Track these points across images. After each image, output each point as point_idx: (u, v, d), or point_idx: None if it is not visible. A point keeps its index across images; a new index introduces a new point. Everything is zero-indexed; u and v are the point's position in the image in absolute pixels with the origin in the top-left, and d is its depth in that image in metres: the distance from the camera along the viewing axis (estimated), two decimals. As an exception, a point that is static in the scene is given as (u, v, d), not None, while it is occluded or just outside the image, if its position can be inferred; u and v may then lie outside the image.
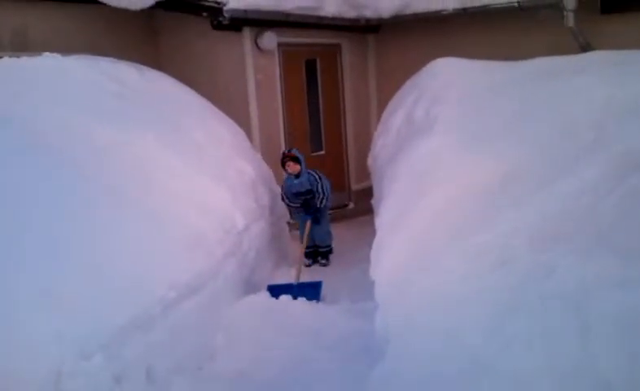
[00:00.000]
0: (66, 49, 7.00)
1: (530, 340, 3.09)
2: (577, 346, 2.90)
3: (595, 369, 2.78)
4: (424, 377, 3.41)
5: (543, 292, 3.28)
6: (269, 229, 7.28)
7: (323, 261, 7.90)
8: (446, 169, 4.86)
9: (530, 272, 3.48)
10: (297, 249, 7.43)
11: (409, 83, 7.26)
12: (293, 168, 7.45)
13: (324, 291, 6.48)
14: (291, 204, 7.64)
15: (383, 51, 10.84)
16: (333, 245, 8.02)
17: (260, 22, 8.66)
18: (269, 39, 8.81)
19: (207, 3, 8.23)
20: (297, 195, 7.49)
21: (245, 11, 8.21)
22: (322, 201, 7.50)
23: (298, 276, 6.62)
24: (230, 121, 7.75)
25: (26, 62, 6.09)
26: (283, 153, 7.70)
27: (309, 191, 7.46)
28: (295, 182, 7.46)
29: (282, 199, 7.64)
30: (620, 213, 3.54)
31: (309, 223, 7.38)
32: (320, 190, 7.45)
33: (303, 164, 7.48)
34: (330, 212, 10.02)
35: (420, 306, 3.91)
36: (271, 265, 7.14)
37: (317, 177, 7.51)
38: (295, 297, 6.00)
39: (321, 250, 7.90)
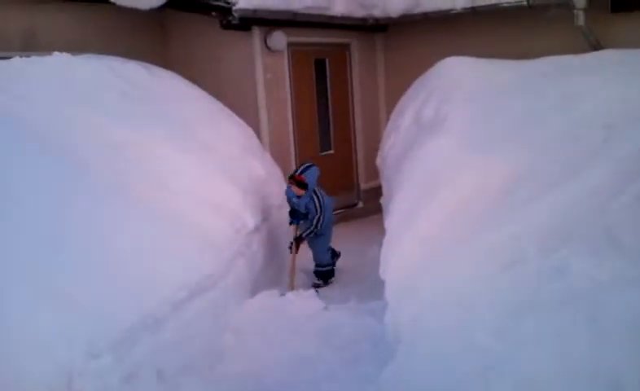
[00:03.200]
0: (75, 48, 7.02)
1: (541, 341, 3.08)
2: (588, 347, 2.89)
3: (607, 370, 2.76)
4: (434, 378, 3.41)
5: (554, 292, 3.27)
6: (278, 229, 7.28)
7: (318, 282, 7.14)
8: (456, 169, 4.85)
9: (540, 273, 3.47)
10: (291, 256, 6.94)
11: (418, 82, 7.25)
12: (297, 191, 6.89)
13: (332, 291, 6.49)
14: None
15: (392, 51, 10.82)
16: (334, 265, 7.32)
17: (270, 22, 8.66)
18: (279, 39, 8.80)
19: (216, 3, 8.23)
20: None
21: (254, 11, 8.20)
22: (313, 230, 6.86)
23: (291, 285, 6.58)
24: (240, 121, 7.76)
25: (36, 61, 6.12)
26: (293, 174, 7.06)
27: (305, 214, 6.96)
28: (294, 200, 6.98)
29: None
30: (630, 214, 3.52)
31: (294, 227, 6.98)
32: (314, 222, 6.85)
33: (309, 190, 6.88)
34: (339, 211, 10.06)
35: (430, 306, 3.90)
36: (279, 265, 7.13)
37: (317, 207, 6.85)
38: None
39: (318, 269, 7.20)
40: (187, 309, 4.61)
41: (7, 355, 3.38)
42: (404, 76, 8.59)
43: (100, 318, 3.80)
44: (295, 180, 6.89)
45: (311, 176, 6.93)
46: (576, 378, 2.84)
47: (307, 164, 7.10)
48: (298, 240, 6.84)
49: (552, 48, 6.86)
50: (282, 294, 6.08)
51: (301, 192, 6.85)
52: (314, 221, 6.83)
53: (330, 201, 7.10)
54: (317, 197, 6.88)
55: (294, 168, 9.16)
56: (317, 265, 7.18)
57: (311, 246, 7.14)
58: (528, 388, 2.97)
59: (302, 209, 6.91)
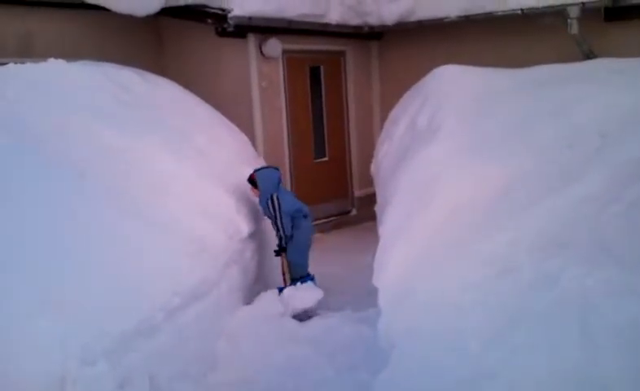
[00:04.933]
0: (71, 55, 7.02)
1: (534, 349, 3.09)
2: (581, 355, 2.90)
3: (598, 378, 2.78)
4: (428, 385, 3.41)
5: (546, 300, 3.28)
6: (271, 235, 7.27)
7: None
8: (449, 177, 4.86)
9: (533, 281, 3.48)
10: (282, 258, 6.67)
11: (412, 90, 7.27)
12: (252, 191, 6.62)
13: (327, 299, 6.48)
14: None
15: (387, 58, 10.86)
16: (310, 279, 6.62)
17: (265, 29, 8.69)
18: (274, 46, 8.83)
19: (211, 10, 8.26)
20: None
21: (249, 18, 8.23)
22: (279, 236, 6.50)
23: (286, 281, 6.55)
24: (234, 127, 7.77)
25: (31, 68, 6.12)
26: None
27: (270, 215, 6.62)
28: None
29: None
30: (623, 223, 3.53)
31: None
32: (275, 227, 6.51)
33: (264, 192, 6.48)
34: (333, 218, 10.07)
35: (423, 314, 3.91)
36: (272, 271, 7.11)
37: (271, 211, 6.45)
38: None
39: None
40: (181, 315, 4.61)
41: (4, 361, 3.38)
42: (399, 83, 8.62)
43: (94, 325, 3.80)
44: (249, 178, 6.60)
45: (264, 177, 6.58)
46: (569, 385, 2.86)
47: (264, 166, 6.92)
48: (282, 250, 6.60)
49: (546, 56, 6.91)
50: (281, 289, 6.15)
51: (255, 192, 6.58)
52: (275, 228, 6.53)
53: (290, 204, 6.61)
54: (272, 202, 6.45)
55: (288, 174, 9.20)
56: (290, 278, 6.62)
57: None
58: (520, 395, 2.98)
59: (264, 214, 6.67)
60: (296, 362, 4.92)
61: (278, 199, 6.45)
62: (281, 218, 6.45)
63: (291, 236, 6.54)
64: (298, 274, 6.62)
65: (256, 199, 6.63)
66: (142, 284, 4.36)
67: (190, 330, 4.69)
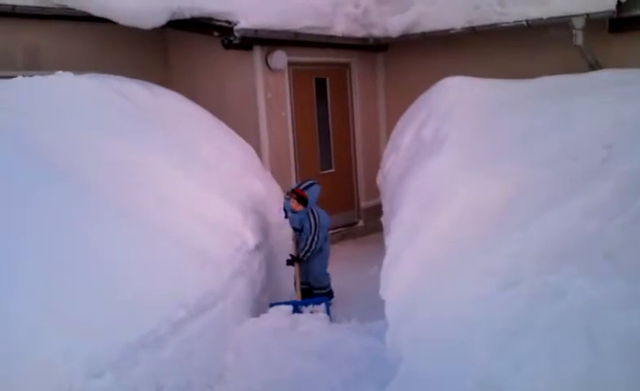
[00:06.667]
0: (78, 68, 7.07)
1: (538, 360, 3.08)
2: (586, 367, 2.89)
3: (604, 390, 2.77)
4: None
5: (552, 312, 3.28)
6: (277, 247, 7.27)
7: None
8: (455, 189, 4.86)
9: (538, 293, 3.47)
10: (295, 270, 6.81)
11: (418, 102, 7.28)
12: (295, 205, 6.67)
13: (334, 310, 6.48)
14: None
15: (392, 70, 10.89)
16: (332, 288, 7.04)
17: (271, 41, 8.74)
18: (280, 58, 8.88)
19: (218, 23, 8.32)
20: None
21: (255, 31, 8.28)
22: (307, 250, 6.67)
23: (299, 295, 6.60)
24: (240, 139, 7.78)
25: (38, 81, 6.16)
26: (295, 188, 6.93)
27: (299, 230, 6.82)
28: (290, 214, 6.79)
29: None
30: (628, 234, 3.53)
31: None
32: (308, 241, 6.65)
33: (309, 206, 6.69)
34: (340, 229, 10.07)
35: (430, 326, 3.91)
36: (280, 283, 7.12)
37: (311, 225, 6.64)
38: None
39: (315, 292, 6.90)
40: (187, 327, 4.61)
41: (9, 373, 3.39)
42: (404, 94, 8.65)
43: (100, 337, 3.81)
44: (296, 193, 6.69)
45: (313, 193, 6.79)
46: (575, 397, 2.85)
47: (310, 181, 6.98)
48: (296, 260, 6.73)
49: (551, 68, 6.91)
50: (294, 305, 6.23)
51: (299, 207, 6.66)
52: (308, 241, 6.64)
53: (326, 219, 6.91)
54: (314, 216, 6.67)
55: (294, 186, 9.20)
56: (315, 288, 6.90)
57: (308, 266, 6.86)
58: (527, 407, 2.98)
59: (296, 225, 6.76)
60: (303, 375, 4.90)
61: (318, 215, 6.75)
62: (319, 232, 6.69)
63: (321, 248, 6.77)
64: (324, 284, 6.92)
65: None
66: (148, 296, 4.37)
67: (196, 342, 4.69)
